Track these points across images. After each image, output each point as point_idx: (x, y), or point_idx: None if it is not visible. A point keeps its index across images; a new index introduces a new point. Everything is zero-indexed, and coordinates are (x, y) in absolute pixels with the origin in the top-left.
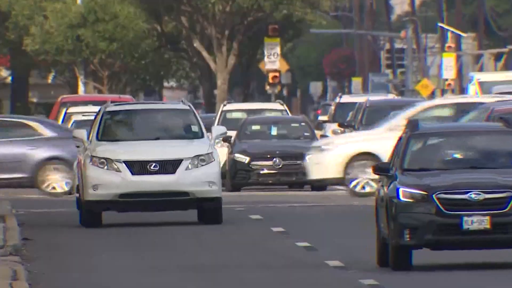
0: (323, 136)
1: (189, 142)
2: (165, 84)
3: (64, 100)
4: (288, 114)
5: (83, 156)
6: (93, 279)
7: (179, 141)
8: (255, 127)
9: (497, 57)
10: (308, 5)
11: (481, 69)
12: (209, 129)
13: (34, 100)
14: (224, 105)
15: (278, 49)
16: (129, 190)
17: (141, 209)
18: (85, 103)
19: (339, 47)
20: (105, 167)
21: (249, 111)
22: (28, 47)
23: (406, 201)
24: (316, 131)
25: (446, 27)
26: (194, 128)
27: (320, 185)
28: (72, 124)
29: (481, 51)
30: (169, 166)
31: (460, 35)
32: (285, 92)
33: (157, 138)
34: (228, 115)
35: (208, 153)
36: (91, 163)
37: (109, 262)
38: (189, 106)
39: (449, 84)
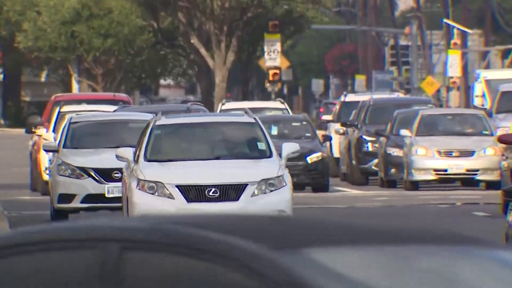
0: (326, 136)
1: (255, 162)
2: (162, 81)
3: (57, 98)
4: (289, 112)
5: (128, 178)
6: None
7: (243, 161)
8: None
9: (504, 54)
10: (309, 0)
11: (487, 67)
12: None
13: (27, 98)
14: (223, 104)
15: (278, 46)
16: None
17: None
18: (79, 101)
19: (342, 43)
20: (156, 193)
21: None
22: (20, 44)
23: None
24: (319, 131)
25: (451, 23)
26: (261, 146)
27: None
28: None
29: (488, 48)
30: (231, 192)
31: (466, 31)
32: (285, 90)
33: (217, 158)
34: None
35: (278, 176)
36: (138, 187)
37: None
38: (254, 118)
39: (454, 82)
